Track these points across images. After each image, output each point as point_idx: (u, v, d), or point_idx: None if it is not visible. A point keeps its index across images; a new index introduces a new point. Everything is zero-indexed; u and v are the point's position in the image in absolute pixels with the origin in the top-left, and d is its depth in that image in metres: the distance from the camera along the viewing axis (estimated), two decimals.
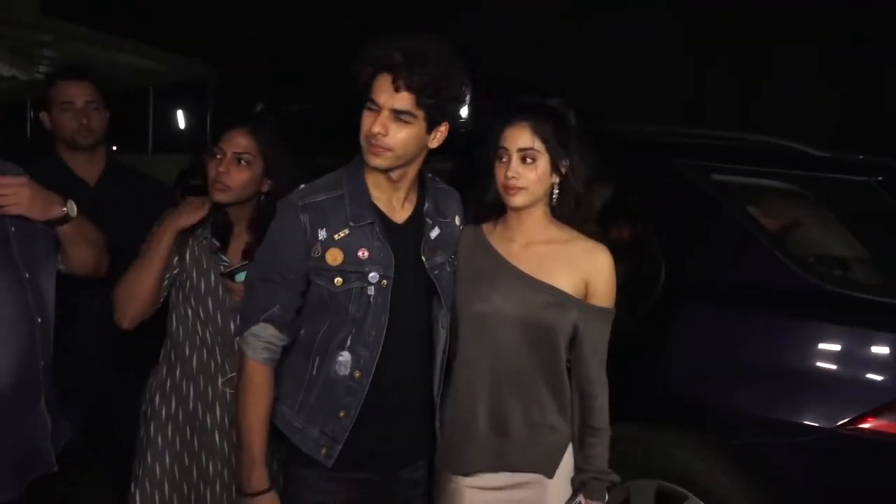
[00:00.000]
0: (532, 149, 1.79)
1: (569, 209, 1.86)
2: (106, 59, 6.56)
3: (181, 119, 8.30)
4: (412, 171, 1.82)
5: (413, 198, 1.87)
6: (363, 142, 1.71)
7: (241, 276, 2.06)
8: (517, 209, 1.84)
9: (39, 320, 1.85)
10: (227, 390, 2.13)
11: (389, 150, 1.70)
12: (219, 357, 2.14)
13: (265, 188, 2.13)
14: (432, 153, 1.82)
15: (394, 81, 1.66)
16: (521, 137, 1.79)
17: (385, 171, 1.75)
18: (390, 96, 1.68)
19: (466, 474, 1.87)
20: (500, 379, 1.83)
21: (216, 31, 8.58)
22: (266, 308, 1.77)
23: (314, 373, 1.80)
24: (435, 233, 1.85)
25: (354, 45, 1.76)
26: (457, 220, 1.93)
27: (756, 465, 2.11)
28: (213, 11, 8.58)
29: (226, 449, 2.15)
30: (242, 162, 2.07)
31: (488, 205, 1.91)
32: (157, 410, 2.18)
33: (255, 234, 2.09)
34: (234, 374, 2.07)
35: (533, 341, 1.82)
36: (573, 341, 1.86)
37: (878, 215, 2.42)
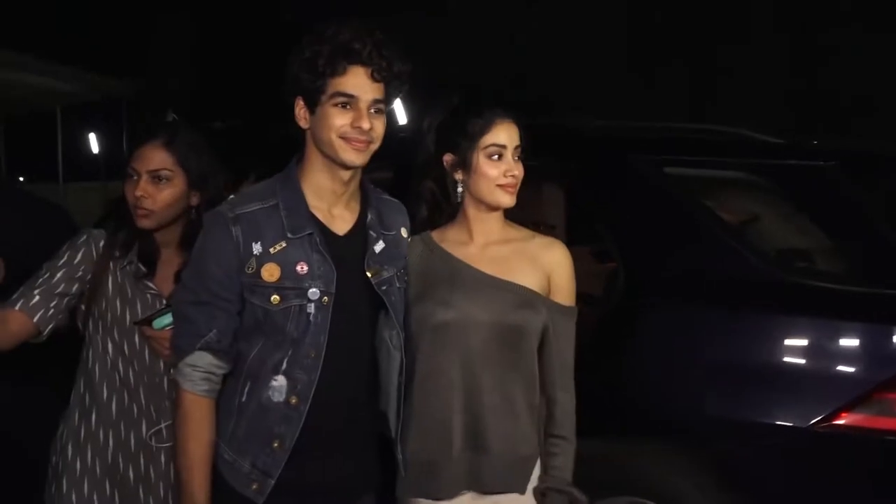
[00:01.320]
0: (520, 146, 1.79)
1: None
2: (5, 80, 6.21)
3: (94, 141, 7.95)
4: (358, 176, 1.71)
5: (355, 207, 1.74)
6: (336, 139, 1.60)
7: (162, 322, 1.81)
8: (503, 209, 1.81)
9: None
10: (154, 444, 1.93)
11: (372, 142, 1.62)
12: (143, 400, 1.92)
13: (193, 201, 1.93)
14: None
15: (372, 73, 1.60)
16: (514, 134, 1.78)
17: (348, 169, 1.65)
18: (369, 88, 1.61)
19: (439, 499, 1.77)
20: (473, 389, 1.75)
21: (134, 43, 8.30)
22: (201, 334, 1.63)
23: (244, 399, 1.66)
24: (380, 246, 1.73)
25: (286, 49, 1.66)
26: (403, 233, 1.82)
27: (730, 473, 2.01)
28: (132, 21, 8.31)
29: None
30: (162, 180, 1.88)
31: (439, 208, 1.85)
32: (69, 463, 1.92)
33: (188, 255, 1.86)
34: (163, 425, 1.91)
35: (504, 345, 1.75)
36: (542, 343, 1.80)
37: (838, 201, 2.34)
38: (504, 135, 1.77)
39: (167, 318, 1.78)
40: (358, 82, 1.60)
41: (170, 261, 1.95)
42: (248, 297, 1.63)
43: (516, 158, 1.79)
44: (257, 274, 1.61)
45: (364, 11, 1.67)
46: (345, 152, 1.61)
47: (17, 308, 1.85)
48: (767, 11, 8.14)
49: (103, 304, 1.90)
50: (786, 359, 2.01)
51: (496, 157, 1.77)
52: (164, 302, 1.90)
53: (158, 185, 1.87)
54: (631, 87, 8.62)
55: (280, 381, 1.62)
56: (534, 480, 1.81)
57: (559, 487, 1.77)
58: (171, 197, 1.89)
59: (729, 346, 2.05)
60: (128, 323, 1.90)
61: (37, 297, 1.86)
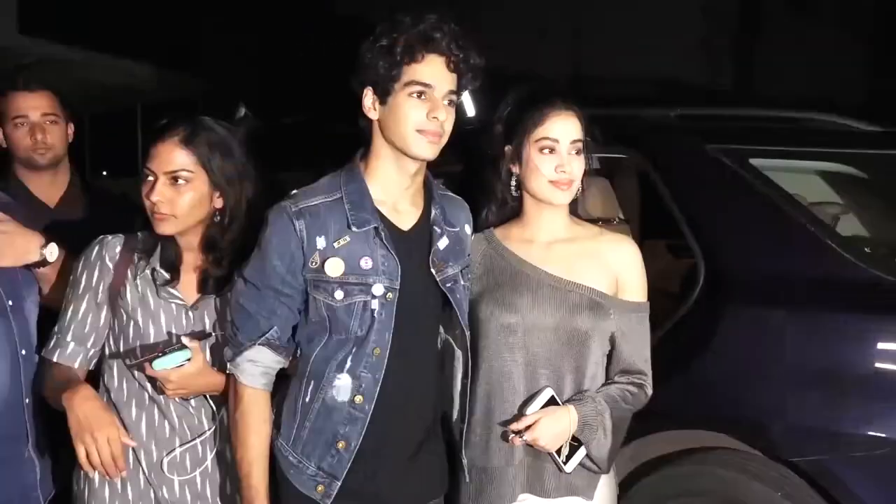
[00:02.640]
0: (581, 140, 1.72)
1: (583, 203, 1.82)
2: (90, 79, 6.37)
3: None
4: (423, 170, 1.68)
5: (419, 203, 1.71)
6: (412, 132, 1.56)
7: (165, 363, 1.62)
8: (560, 206, 1.75)
9: (24, 353, 1.71)
10: (189, 463, 1.77)
11: (443, 136, 1.59)
12: (174, 417, 1.76)
13: (217, 204, 1.75)
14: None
15: (449, 62, 1.57)
16: (571, 127, 1.71)
17: (419, 162, 1.62)
18: (445, 78, 1.58)
19: None
20: (536, 393, 1.69)
21: (201, 41, 8.48)
22: (262, 329, 1.61)
23: (307, 399, 1.63)
24: (444, 242, 1.68)
25: (346, 47, 1.64)
26: (466, 230, 1.77)
27: (821, 485, 1.90)
28: (198, 20, 8.49)
29: None
30: (180, 181, 1.69)
31: (506, 204, 1.80)
32: (95, 490, 1.74)
33: (214, 258, 1.76)
34: (197, 440, 1.76)
35: (569, 348, 1.70)
36: (612, 348, 1.74)
37: None
38: (559, 128, 1.70)
39: (167, 362, 1.62)
40: (435, 71, 1.57)
41: (193, 266, 1.78)
42: (311, 293, 1.61)
43: (573, 153, 1.71)
44: (321, 269, 1.59)
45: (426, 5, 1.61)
46: (418, 145, 1.58)
47: (55, 359, 1.74)
48: None
49: (124, 317, 1.74)
50: (884, 365, 1.87)
51: (548, 151, 1.70)
52: (188, 315, 1.75)
53: (177, 187, 1.69)
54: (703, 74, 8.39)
55: (344, 379, 1.60)
56: (601, 487, 1.74)
57: (596, 415, 1.67)
58: (193, 200, 1.70)
59: (815, 349, 1.93)
60: (152, 337, 1.74)
61: (71, 345, 1.74)
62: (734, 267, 2.10)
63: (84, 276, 1.74)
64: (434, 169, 1.74)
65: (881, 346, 1.88)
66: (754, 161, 2.23)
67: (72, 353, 1.74)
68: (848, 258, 1.98)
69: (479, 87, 1.69)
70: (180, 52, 7.81)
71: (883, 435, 1.82)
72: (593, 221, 1.92)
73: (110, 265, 1.73)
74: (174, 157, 1.69)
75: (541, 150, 1.70)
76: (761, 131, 2.56)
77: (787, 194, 2.15)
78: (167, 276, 1.75)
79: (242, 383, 1.63)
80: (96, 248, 1.75)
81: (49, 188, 2.43)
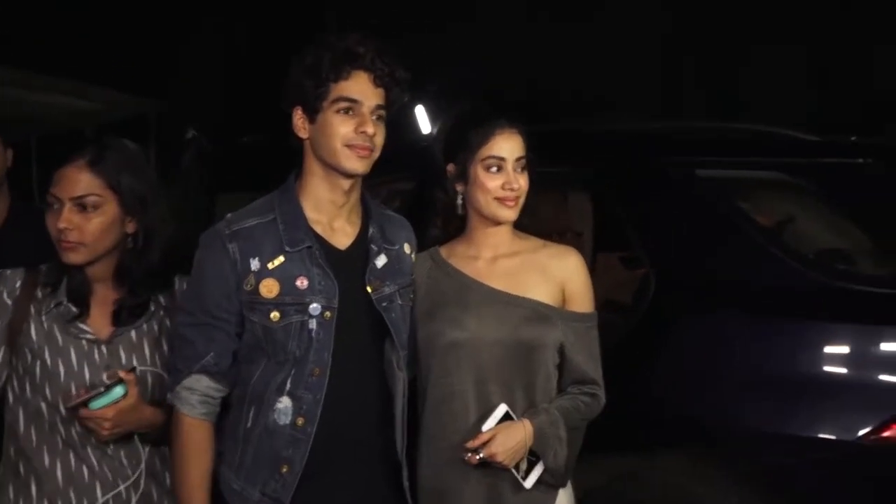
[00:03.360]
0: (525, 157, 1.73)
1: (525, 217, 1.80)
2: (38, 101, 6.26)
3: None
4: (359, 187, 1.67)
5: (356, 221, 1.70)
6: (340, 146, 1.56)
7: (98, 403, 1.55)
8: (506, 223, 1.75)
9: None
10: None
11: (374, 150, 1.59)
12: (93, 461, 1.64)
13: (130, 229, 1.66)
14: (380, 172, 1.66)
15: (375, 78, 1.59)
16: (515, 145, 1.72)
17: (351, 177, 1.62)
18: (372, 93, 1.59)
19: None
20: (490, 411, 1.67)
21: (161, 61, 8.37)
22: (199, 357, 1.58)
23: (249, 424, 1.60)
24: (381, 261, 1.67)
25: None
26: (406, 248, 1.76)
27: (770, 488, 1.90)
28: (160, 39, 8.38)
29: None
30: (88, 207, 1.60)
31: (450, 221, 1.80)
32: None
33: (128, 288, 1.67)
34: (121, 487, 1.65)
35: (518, 362, 1.69)
36: (562, 359, 1.73)
37: (878, 200, 2.24)
38: (504, 146, 1.71)
39: (105, 400, 1.55)
40: (361, 87, 1.58)
41: (104, 298, 1.68)
42: (247, 316, 1.59)
43: (518, 170, 1.72)
44: (256, 290, 1.57)
45: (395, 27, 1.63)
46: (348, 160, 1.58)
47: None
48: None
49: (28, 359, 1.62)
50: (828, 368, 1.90)
51: (494, 169, 1.71)
52: (104, 351, 1.66)
53: (85, 213, 1.60)
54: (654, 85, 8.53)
55: (285, 402, 1.57)
56: (560, 500, 1.73)
57: (551, 424, 1.66)
58: (102, 226, 1.61)
59: (766, 355, 1.95)
60: (62, 377, 1.62)
61: None
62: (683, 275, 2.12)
63: None
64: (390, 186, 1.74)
65: (828, 349, 1.91)
66: (701, 172, 2.27)
67: None
68: (792, 264, 2.01)
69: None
70: (132, 73, 7.69)
71: (834, 437, 1.83)
72: (546, 236, 1.92)
73: (9, 301, 1.63)
74: (80, 180, 1.60)
75: (487, 168, 1.71)
76: (709, 143, 2.61)
77: (734, 204, 2.19)
78: (75, 310, 1.65)
79: (181, 412, 1.59)
80: None
81: None
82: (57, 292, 1.65)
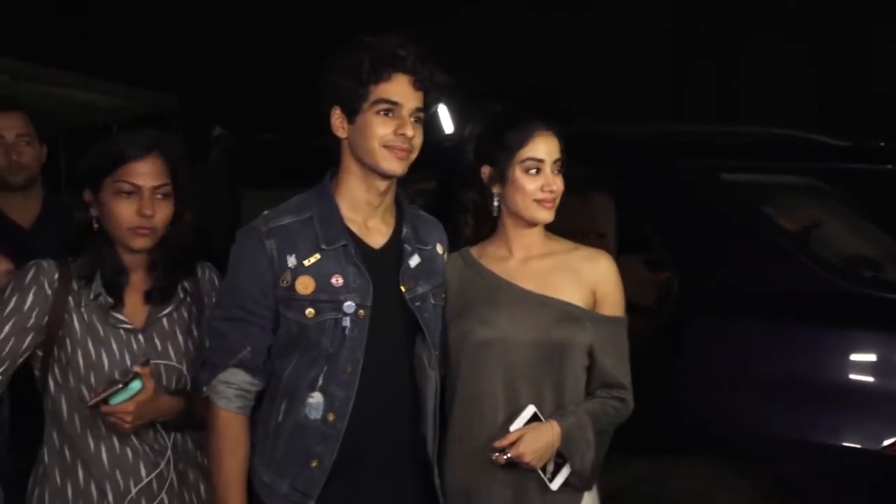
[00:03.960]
0: (561, 159, 1.74)
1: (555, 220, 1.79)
2: (62, 97, 6.40)
3: None
4: (394, 188, 1.68)
5: (390, 221, 1.71)
6: (379, 147, 1.58)
7: (118, 398, 1.60)
8: (541, 224, 1.76)
9: None
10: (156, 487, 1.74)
11: (412, 151, 1.60)
12: (136, 443, 1.70)
13: (186, 218, 1.79)
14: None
15: (415, 81, 1.60)
16: (553, 147, 1.73)
17: (388, 178, 1.64)
18: (411, 96, 1.61)
19: None
20: (519, 411, 1.67)
21: (169, 56, 8.46)
22: (235, 351, 1.60)
23: (280, 418, 1.62)
24: (415, 261, 1.69)
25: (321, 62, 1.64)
26: (439, 249, 1.77)
27: (791, 497, 1.90)
28: (166, 35, 8.47)
29: None
30: (163, 196, 1.70)
31: (483, 223, 1.81)
32: None
33: (159, 273, 1.75)
34: (162, 465, 1.72)
35: (548, 363, 1.69)
36: (590, 362, 1.73)
37: None
38: (542, 148, 1.72)
39: (124, 395, 1.60)
40: (402, 90, 1.60)
41: (137, 286, 1.75)
42: (282, 312, 1.61)
43: (555, 172, 1.73)
44: (292, 287, 1.59)
45: (397, 22, 1.64)
46: (387, 161, 1.59)
47: None
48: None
49: (69, 349, 1.67)
50: (853, 376, 1.89)
51: (534, 171, 1.72)
52: (130, 366, 1.69)
53: (159, 201, 1.70)
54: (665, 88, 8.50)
55: (317, 398, 1.59)
56: (586, 498, 1.73)
57: (579, 426, 1.66)
58: (170, 213, 1.73)
59: (790, 361, 1.93)
60: (106, 367, 1.68)
61: None
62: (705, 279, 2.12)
63: (15, 299, 1.66)
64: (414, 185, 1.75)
65: (853, 357, 1.90)
66: (725, 176, 2.25)
67: None
68: (818, 271, 2.00)
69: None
70: (155, 69, 7.79)
71: (858, 446, 1.82)
72: (570, 237, 1.92)
73: (49, 292, 1.68)
74: (158, 170, 1.70)
75: (526, 170, 1.71)
76: (733, 146, 2.59)
77: (758, 208, 2.18)
78: (111, 301, 1.71)
79: (217, 406, 1.62)
80: (31, 271, 1.69)
81: (22, 208, 2.42)
82: (92, 284, 1.70)
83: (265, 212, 1.66)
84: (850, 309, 1.95)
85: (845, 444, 1.83)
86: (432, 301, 1.70)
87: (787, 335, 1.97)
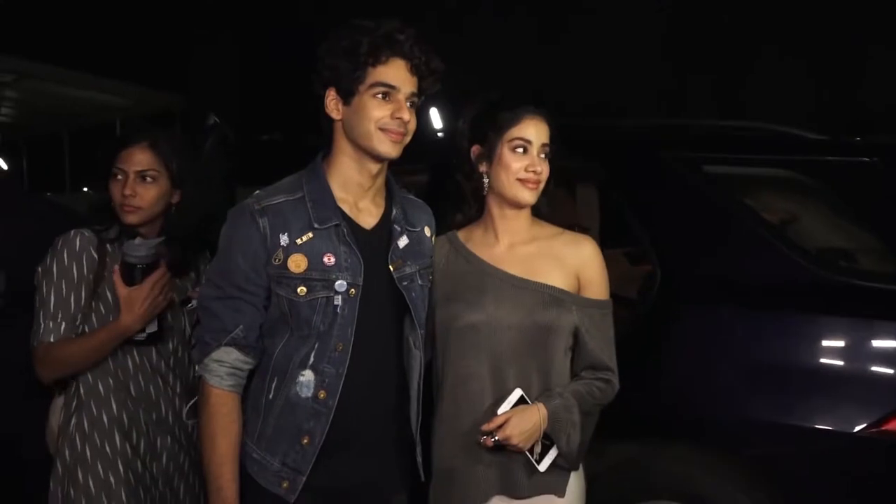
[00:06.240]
0: (549, 145, 1.76)
1: (544, 207, 1.83)
2: (68, 96, 6.49)
3: None
4: (385, 170, 1.71)
5: (381, 203, 1.73)
6: (375, 129, 1.60)
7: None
8: (525, 206, 1.78)
9: None
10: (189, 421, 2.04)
11: (406, 135, 1.62)
12: (162, 367, 2.02)
13: (174, 199, 2.03)
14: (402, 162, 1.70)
15: (412, 66, 1.62)
16: (542, 131, 1.75)
17: (381, 161, 1.66)
18: (408, 80, 1.62)
19: None
20: (506, 393, 1.70)
21: (180, 56, 8.46)
22: (228, 330, 1.62)
23: (271, 396, 1.64)
24: (403, 241, 1.71)
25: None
26: (427, 232, 1.80)
27: (770, 478, 1.95)
28: (177, 35, 8.47)
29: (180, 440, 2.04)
30: (147, 179, 1.97)
31: (470, 205, 1.83)
32: (100, 448, 1.92)
33: (171, 246, 1.99)
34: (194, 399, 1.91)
35: (534, 346, 1.72)
36: (575, 345, 1.76)
37: (882, 198, 2.27)
38: (532, 130, 1.74)
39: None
40: (399, 74, 1.61)
41: None
42: (274, 289, 1.62)
43: (542, 156, 1.75)
44: (284, 265, 1.60)
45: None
46: (382, 143, 1.61)
47: (52, 341, 1.87)
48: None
49: (110, 301, 1.93)
50: (830, 361, 1.94)
51: (521, 150, 1.74)
52: None
53: (144, 184, 1.96)
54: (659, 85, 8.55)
55: (307, 375, 1.61)
56: (571, 483, 1.75)
57: (565, 409, 1.69)
58: (156, 195, 1.98)
59: (769, 348, 1.99)
60: None
61: (63, 325, 1.89)
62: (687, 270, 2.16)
63: (73, 266, 1.91)
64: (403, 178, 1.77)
65: (830, 343, 1.95)
66: (707, 168, 2.29)
67: (66, 331, 1.89)
68: (796, 260, 2.05)
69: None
70: (159, 69, 7.80)
71: (835, 429, 1.87)
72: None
73: (95, 255, 1.93)
74: (143, 158, 1.97)
75: (514, 148, 1.74)
76: (715, 139, 2.63)
77: (739, 200, 2.22)
78: None
79: (210, 384, 1.63)
80: (77, 239, 1.92)
81: None
82: (117, 248, 1.97)
83: (256, 192, 1.67)
84: (829, 297, 2.00)
85: (823, 427, 1.88)
86: (419, 281, 1.72)
87: (765, 322, 2.01)
